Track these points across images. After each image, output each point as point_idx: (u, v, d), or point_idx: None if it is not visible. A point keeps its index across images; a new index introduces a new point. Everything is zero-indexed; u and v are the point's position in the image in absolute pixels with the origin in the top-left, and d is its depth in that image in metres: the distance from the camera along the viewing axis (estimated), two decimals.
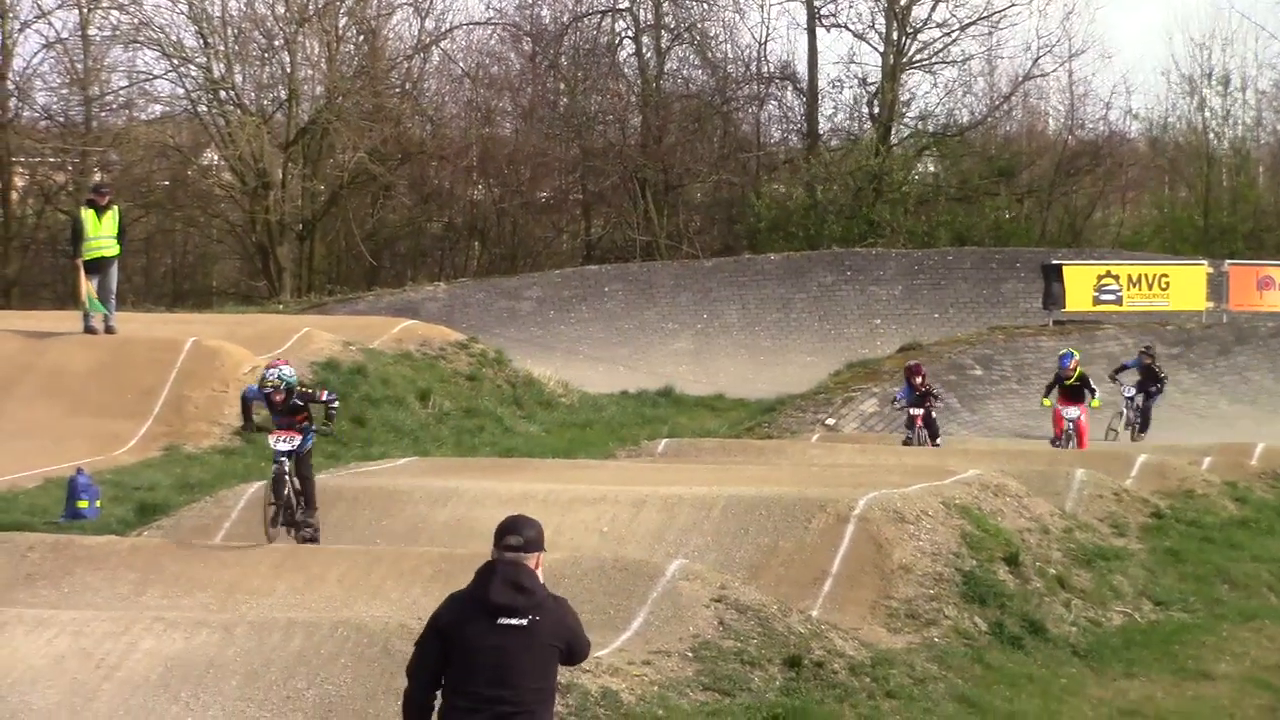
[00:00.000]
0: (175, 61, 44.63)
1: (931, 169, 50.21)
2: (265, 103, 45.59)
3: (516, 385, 26.41)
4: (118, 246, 23.18)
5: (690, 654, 12.06)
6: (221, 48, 44.62)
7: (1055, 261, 36.73)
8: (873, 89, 48.71)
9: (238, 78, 45.19)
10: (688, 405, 29.72)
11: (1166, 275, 35.94)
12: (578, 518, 15.12)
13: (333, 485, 16.55)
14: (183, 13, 44.54)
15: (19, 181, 45.28)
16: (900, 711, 12.18)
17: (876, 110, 48.53)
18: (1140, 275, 35.74)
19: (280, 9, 45.10)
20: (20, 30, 43.86)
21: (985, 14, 48.11)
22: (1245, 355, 34.74)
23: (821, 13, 48.53)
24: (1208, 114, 50.04)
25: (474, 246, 48.42)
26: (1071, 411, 24.83)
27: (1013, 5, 48.47)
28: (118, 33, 44.56)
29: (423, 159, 47.41)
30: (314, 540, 14.70)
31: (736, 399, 30.56)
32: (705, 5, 49.38)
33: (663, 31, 49.31)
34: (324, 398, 14.77)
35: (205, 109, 45.44)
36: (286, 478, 14.44)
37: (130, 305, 31.53)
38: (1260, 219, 48.29)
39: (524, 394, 26.21)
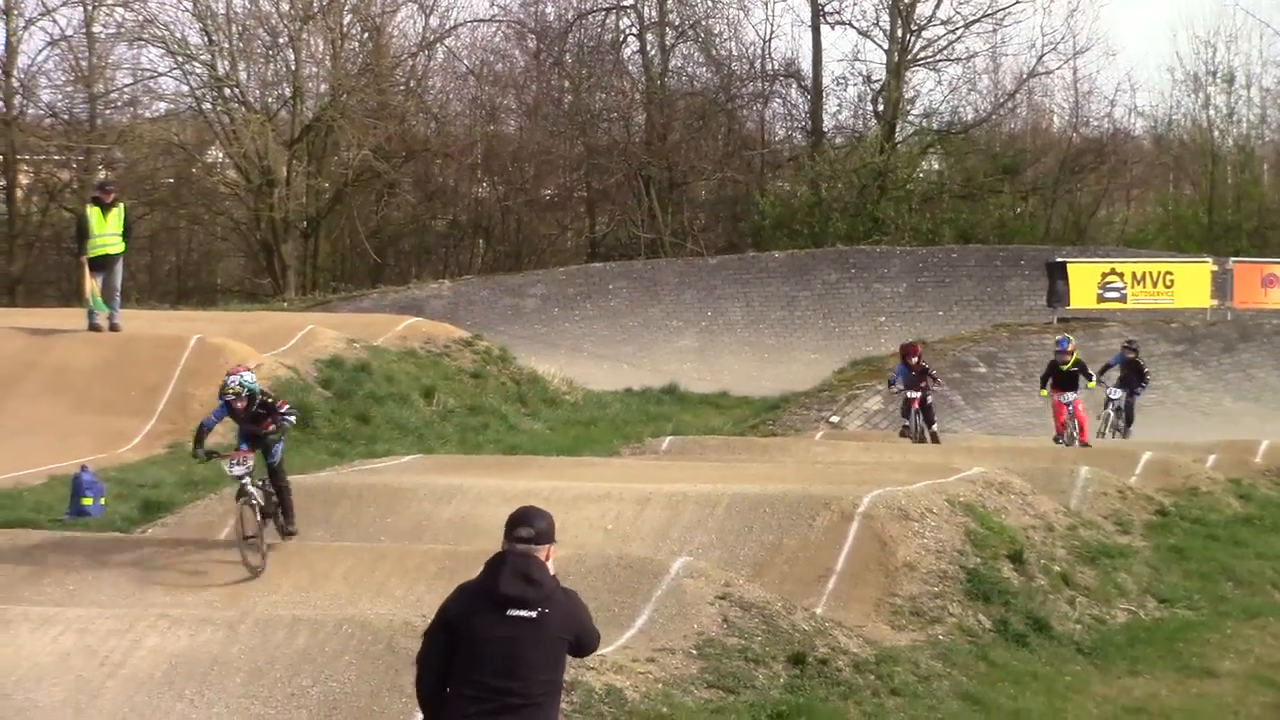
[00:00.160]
0: (180, 59, 44.71)
1: (936, 166, 50.19)
2: (270, 100, 45.64)
3: (521, 383, 26.41)
4: (123, 244, 23.23)
5: (695, 651, 12.05)
6: (226, 45, 44.66)
7: (1060, 259, 36.73)
8: (877, 86, 48.73)
9: (242, 75, 45.26)
10: (692, 403, 29.69)
11: (1171, 273, 35.95)
12: (582, 515, 15.10)
13: (337, 482, 16.56)
14: (187, 10, 44.69)
15: (24, 179, 45.31)
16: (905, 709, 12.16)
17: (881, 108, 48.50)
18: (1145, 273, 35.76)
19: (285, 6, 45.14)
20: (25, 27, 43.95)
21: (989, 11, 48.17)
22: (1249, 353, 34.73)
23: (826, 10, 48.58)
24: (1212, 111, 50.05)
25: (478, 244, 48.40)
26: (1068, 396, 24.78)
27: (1017, 2, 48.68)
28: (122, 30, 44.68)
29: (427, 156, 47.39)
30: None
31: (741, 396, 30.53)
32: (710, 2, 49.43)
33: (667, 29, 49.29)
34: (282, 409, 14.10)
35: (210, 106, 45.49)
36: (254, 505, 13.92)
37: (135, 303, 31.52)
38: (1265, 216, 48.25)
39: (528, 391, 26.20)
